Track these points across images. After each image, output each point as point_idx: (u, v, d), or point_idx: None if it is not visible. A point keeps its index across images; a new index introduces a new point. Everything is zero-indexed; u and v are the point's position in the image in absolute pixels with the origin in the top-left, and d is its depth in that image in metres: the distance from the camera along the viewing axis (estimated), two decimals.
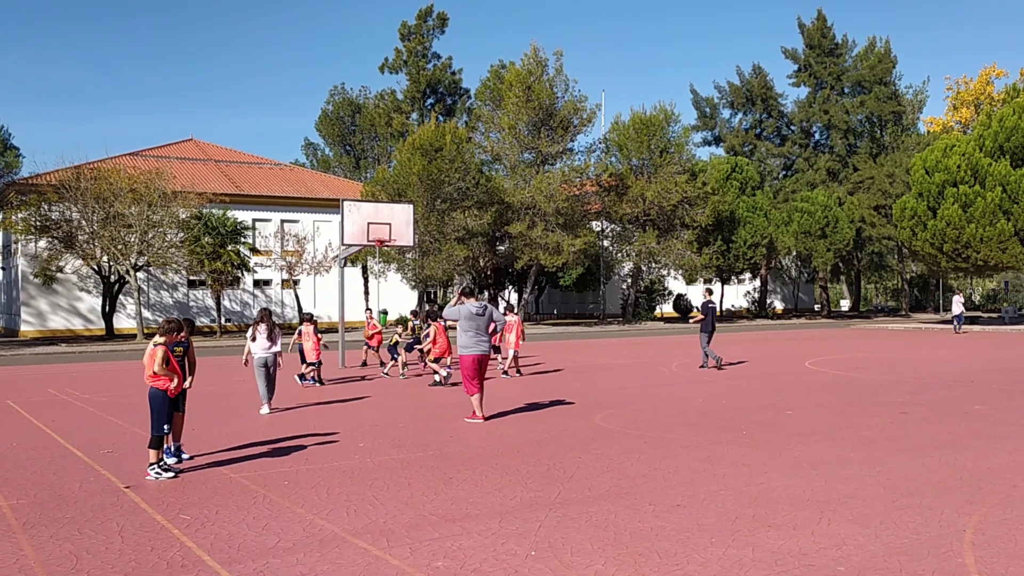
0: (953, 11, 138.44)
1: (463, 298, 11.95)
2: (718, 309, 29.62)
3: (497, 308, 21.48)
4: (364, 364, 21.22)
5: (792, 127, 69.32)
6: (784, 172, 69.91)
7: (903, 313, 64.69)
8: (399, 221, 22.07)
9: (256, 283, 46.81)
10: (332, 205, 45.06)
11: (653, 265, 51.66)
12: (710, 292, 20.30)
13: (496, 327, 12.17)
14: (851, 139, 65.55)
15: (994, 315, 56.65)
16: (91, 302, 42.53)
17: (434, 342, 16.69)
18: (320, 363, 16.86)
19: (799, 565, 5.42)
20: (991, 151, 40.39)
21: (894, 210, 46.07)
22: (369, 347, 20.90)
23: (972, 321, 48.90)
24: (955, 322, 38.33)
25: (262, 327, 12.73)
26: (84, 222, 35.97)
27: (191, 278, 43.84)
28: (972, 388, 15.33)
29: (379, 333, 20.87)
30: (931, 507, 6.83)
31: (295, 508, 7.06)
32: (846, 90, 66.13)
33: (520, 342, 18.72)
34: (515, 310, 19.23)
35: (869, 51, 65.02)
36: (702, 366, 19.68)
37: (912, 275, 71.47)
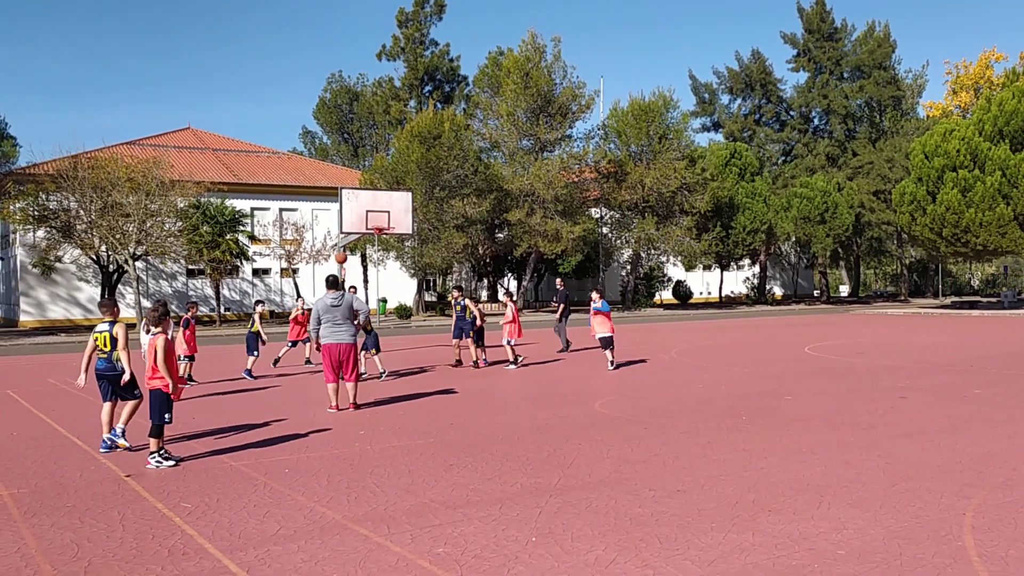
0: None
1: (328, 290, 11.97)
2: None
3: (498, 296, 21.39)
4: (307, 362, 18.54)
5: (791, 112, 69.15)
6: (783, 158, 69.80)
7: (902, 298, 64.74)
8: (398, 209, 22.00)
9: (255, 272, 46.76)
10: (330, 193, 44.95)
11: (652, 252, 51.64)
12: (563, 282, 22.69)
13: (360, 316, 12.20)
14: (850, 124, 65.38)
15: (993, 299, 56.69)
16: (90, 292, 42.50)
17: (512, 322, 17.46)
18: (193, 358, 15.21)
19: (800, 549, 5.43)
20: (991, 135, 40.29)
21: (893, 195, 46.01)
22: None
23: (971, 306, 48.93)
24: None
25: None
26: (82, 212, 35.88)
27: (190, 267, 43.80)
28: (971, 373, 15.35)
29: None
30: (931, 491, 6.84)
31: (296, 495, 7.06)
32: (845, 75, 65.91)
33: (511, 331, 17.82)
34: (513, 297, 18.48)
35: (868, 35, 64.77)
36: (562, 350, 21.02)
37: (911, 260, 71.47)
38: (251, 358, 16.33)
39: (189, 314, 15.49)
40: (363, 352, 15.84)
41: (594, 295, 16.96)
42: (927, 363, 17.18)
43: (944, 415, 10.60)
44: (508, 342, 17.78)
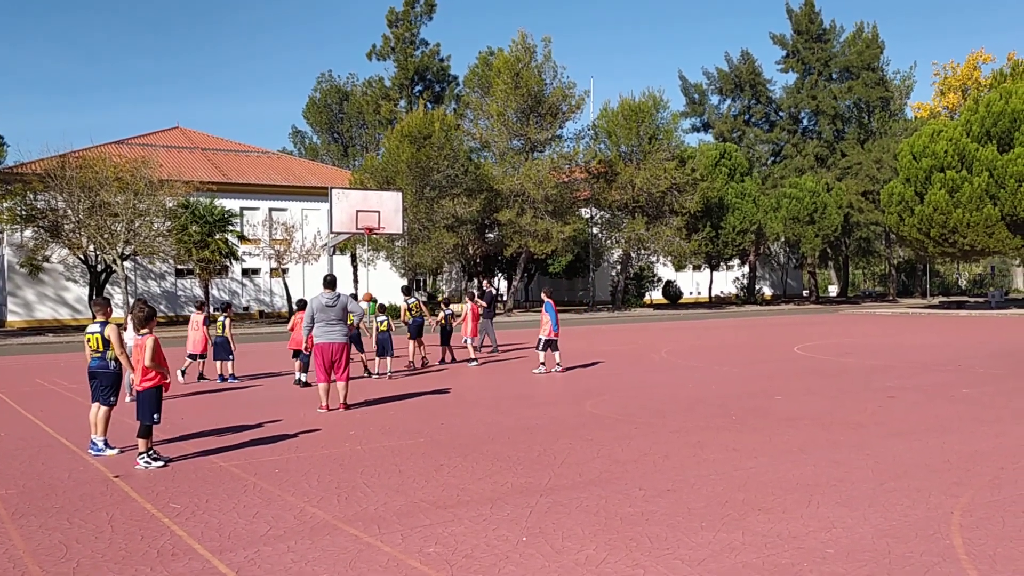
0: None
1: (324, 289, 12.17)
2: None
3: (483, 296, 21.68)
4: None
5: (780, 113, 69.41)
6: (772, 158, 70.04)
7: (890, 298, 65.03)
8: (388, 209, 22.00)
9: (244, 272, 46.59)
10: (320, 193, 44.78)
11: (642, 251, 51.69)
12: (491, 283, 23.35)
13: (353, 318, 12.36)
14: (839, 125, 65.68)
15: (981, 299, 57.03)
16: (78, 292, 42.26)
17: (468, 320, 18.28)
18: (205, 356, 15.57)
19: (789, 548, 5.45)
20: (978, 136, 40.53)
21: (882, 196, 46.23)
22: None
23: (959, 306, 49.21)
24: None
25: (129, 317, 12.37)
26: (70, 211, 35.65)
27: (179, 267, 43.57)
28: (960, 372, 15.44)
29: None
30: (919, 490, 6.87)
31: (285, 496, 7.04)
32: (834, 76, 66.21)
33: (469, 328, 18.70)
34: (474, 297, 19.37)
35: (857, 37, 65.08)
36: (492, 350, 21.09)
37: (899, 260, 71.79)
38: (228, 363, 15.79)
39: (203, 312, 15.83)
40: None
41: (543, 295, 17.25)
42: (916, 363, 17.27)
43: (933, 415, 10.66)
44: (466, 340, 18.65)
